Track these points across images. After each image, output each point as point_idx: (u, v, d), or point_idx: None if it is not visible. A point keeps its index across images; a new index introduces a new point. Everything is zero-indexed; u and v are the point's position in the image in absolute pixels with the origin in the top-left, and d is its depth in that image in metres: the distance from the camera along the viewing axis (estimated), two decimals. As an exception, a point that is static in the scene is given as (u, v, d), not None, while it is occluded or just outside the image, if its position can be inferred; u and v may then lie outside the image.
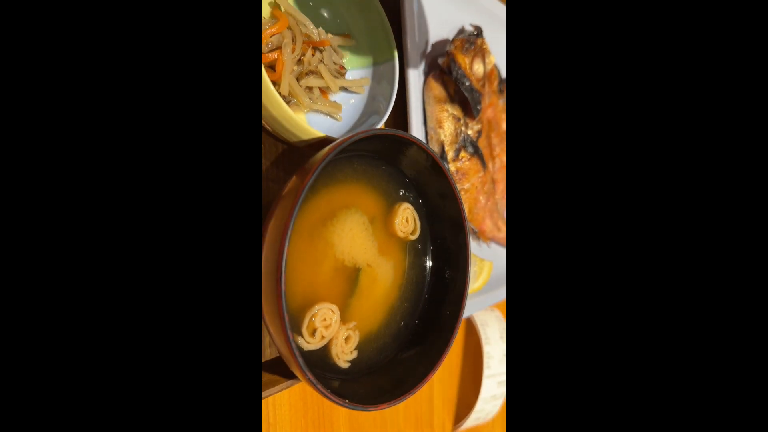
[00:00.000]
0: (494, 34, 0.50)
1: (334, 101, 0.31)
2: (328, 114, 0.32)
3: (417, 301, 0.32)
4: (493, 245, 0.51)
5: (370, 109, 0.34)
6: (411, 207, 0.32)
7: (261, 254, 0.23)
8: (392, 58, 0.32)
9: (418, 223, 0.33)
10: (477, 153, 0.44)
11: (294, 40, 0.28)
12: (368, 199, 0.30)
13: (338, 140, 0.24)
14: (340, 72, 0.31)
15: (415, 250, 0.33)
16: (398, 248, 0.32)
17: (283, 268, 0.22)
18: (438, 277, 0.33)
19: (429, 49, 0.43)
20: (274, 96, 0.24)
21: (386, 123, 0.39)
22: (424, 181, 0.32)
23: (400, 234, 0.31)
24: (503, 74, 0.53)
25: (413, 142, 0.28)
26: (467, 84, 0.40)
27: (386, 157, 0.30)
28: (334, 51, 0.31)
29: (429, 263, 0.34)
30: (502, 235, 0.50)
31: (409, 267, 0.32)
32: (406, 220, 0.32)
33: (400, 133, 0.27)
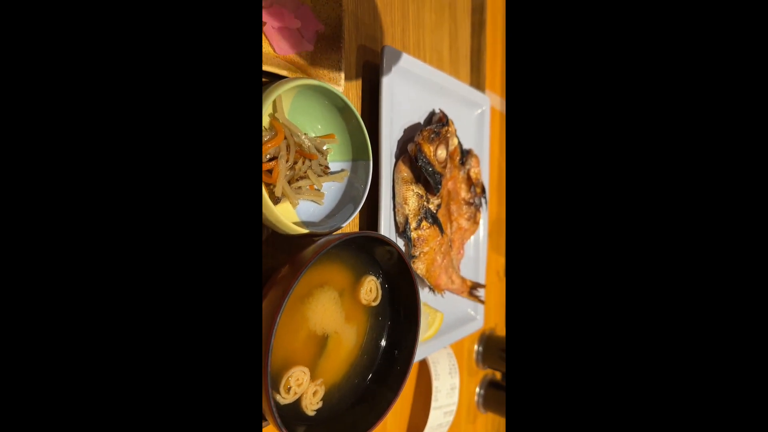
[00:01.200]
0: (462, 111, 0.58)
1: (318, 191, 0.39)
2: (312, 201, 0.39)
3: (374, 358, 0.40)
4: (447, 294, 0.59)
5: (348, 195, 0.41)
6: (375, 279, 0.40)
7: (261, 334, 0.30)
8: (368, 158, 0.40)
9: (380, 291, 0.40)
10: (436, 222, 0.51)
11: (288, 150, 0.35)
12: (340, 275, 0.37)
13: (323, 243, 0.31)
14: (325, 171, 0.38)
15: (375, 314, 0.40)
16: (362, 313, 0.39)
17: (272, 343, 0.28)
18: (392, 339, 0.41)
19: (401, 133, 0.51)
20: (267, 203, 0.31)
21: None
22: (388, 263, 0.39)
23: (364, 302, 0.39)
24: (464, 147, 0.62)
25: (384, 241, 0.35)
26: (430, 170, 0.48)
27: (358, 243, 0.38)
28: (321, 153, 0.38)
29: (386, 326, 0.41)
30: (455, 287, 0.58)
31: (369, 329, 0.40)
32: (370, 290, 0.39)
33: (375, 234, 0.34)
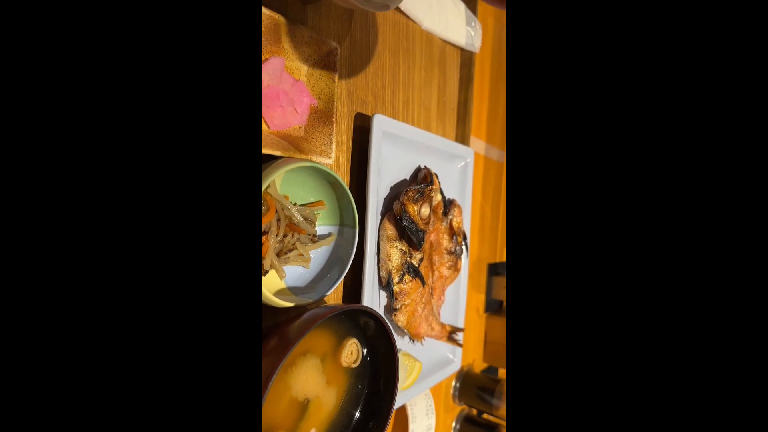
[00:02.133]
0: (447, 165, 0.61)
1: (307, 255, 0.41)
2: (300, 265, 0.41)
3: (351, 417, 0.42)
4: (427, 340, 0.62)
5: (334, 258, 0.43)
6: (356, 341, 0.42)
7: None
8: (354, 226, 0.42)
9: (361, 353, 0.42)
10: (417, 275, 0.54)
11: (279, 224, 0.37)
12: (323, 341, 0.39)
13: (310, 319, 0.33)
14: (313, 240, 0.40)
15: (355, 375, 0.42)
16: (342, 375, 0.41)
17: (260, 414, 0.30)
18: (370, 398, 0.43)
19: (388, 191, 0.53)
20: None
21: (345, 259, 0.48)
22: (370, 328, 0.42)
23: (345, 364, 0.41)
24: (448, 196, 0.64)
25: (369, 312, 0.37)
26: (414, 228, 0.50)
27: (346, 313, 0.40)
28: (308, 221, 0.40)
29: (365, 385, 0.43)
30: (435, 333, 0.61)
31: (348, 389, 0.42)
32: (351, 352, 0.41)
33: (361, 307, 0.36)
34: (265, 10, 0.35)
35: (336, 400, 0.40)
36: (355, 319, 0.42)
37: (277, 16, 0.36)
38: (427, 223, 0.54)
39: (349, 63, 0.48)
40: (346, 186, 0.40)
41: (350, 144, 0.48)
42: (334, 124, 0.41)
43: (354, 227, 0.42)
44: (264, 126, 0.38)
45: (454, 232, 0.63)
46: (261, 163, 0.37)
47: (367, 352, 0.43)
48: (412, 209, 0.51)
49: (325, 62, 0.41)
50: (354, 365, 0.41)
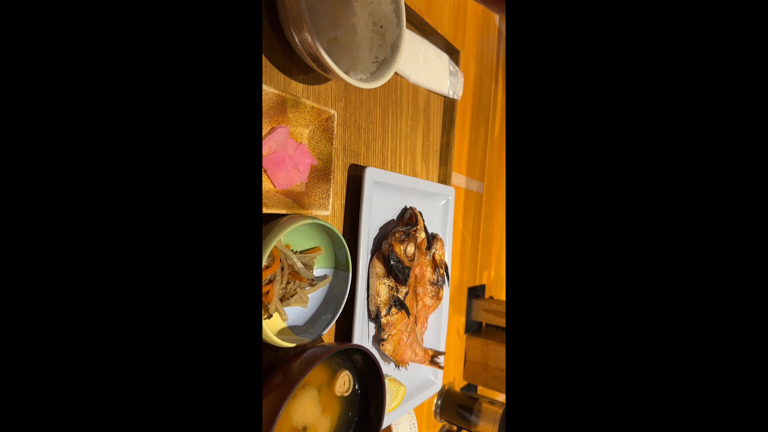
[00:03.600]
0: (430, 203, 0.67)
1: (306, 297, 0.46)
2: (299, 305, 0.46)
3: (344, 441, 0.47)
4: (411, 364, 0.67)
5: (329, 297, 0.48)
6: (348, 373, 0.47)
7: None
8: (348, 269, 0.47)
9: (352, 383, 0.47)
10: (403, 308, 0.60)
11: (282, 272, 0.42)
12: (320, 374, 0.44)
13: (310, 358, 0.39)
14: (311, 284, 0.46)
15: (347, 402, 0.48)
16: (335, 403, 0.46)
17: (261, 447, 0.35)
18: (360, 423, 0.48)
19: (377, 231, 0.59)
20: (263, 329, 0.38)
21: (339, 296, 0.53)
22: (361, 362, 0.47)
23: (338, 393, 0.46)
24: (431, 231, 0.71)
25: (361, 350, 0.43)
26: (401, 266, 0.56)
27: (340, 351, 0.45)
28: (308, 267, 0.45)
29: (355, 413, 0.48)
30: (418, 358, 0.66)
31: (341, 416, 0.47)
32: (344, 383, 0.46)
33: (357, 346, 0.42)
34: (273, 89, 0.40)
35: (330, 427, 0.45)
36: (348, 354, 0.47)
37: (283, 93, 0.41)
38: (412, 260, 0.60)
39: (345, 121, 0.53)
40: (340, 234, 0.45)
41: (344, 192, 0.54)
42: (332, 181, 0.47)
43: (347, 270, 0.47)
44: (270, 186, 0.43)
45: (436, 264, 0.69)
46: (261, 217, 0.42)
47: (357, 382, 0.48)
48: (399, 249, 0.56)
49: (324, 127, 0.47)
50: (346, 394, 0.47)
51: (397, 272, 0.56)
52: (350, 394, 0.48)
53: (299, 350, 0.42)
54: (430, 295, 0.68)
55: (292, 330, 0.45)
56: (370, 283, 0.57)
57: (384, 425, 0.59)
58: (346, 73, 0.42)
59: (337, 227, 0.53)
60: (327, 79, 0.50)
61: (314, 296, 0.48)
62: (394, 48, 0.48)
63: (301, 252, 0.46)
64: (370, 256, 0.58)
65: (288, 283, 0.43)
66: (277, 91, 0.40)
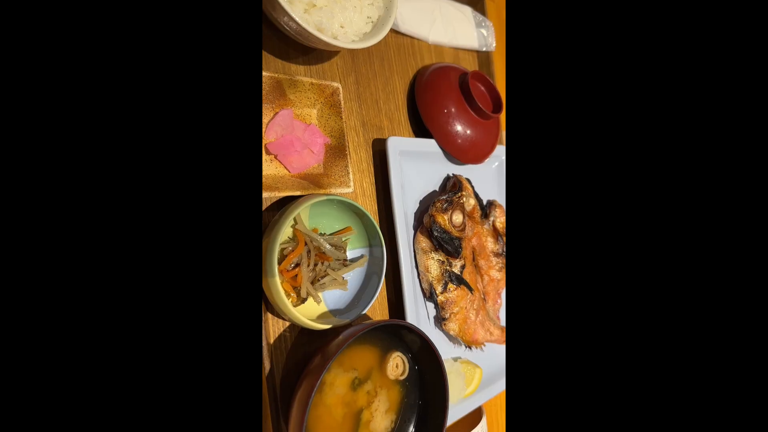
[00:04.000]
0: (478, 168, 0.61)
1: (342, 279, 0.44)
2: (338, 289, 0.44)
3: (407, 427, 0.43)
4: (489, 346, 0.61)
5: (369, 276, 0.46)
6: (401, 354, 0.44)
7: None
8: (381, 245, 0.45)
9: (407, 365, 0.44)
10: (462, 283, 0.54)
11: (309, 255, 0.41)
12: (369, 355, 0.42)
13: (346, 336, 0.37)
14: (345, 264, 0.44)
15: (405, 386, 0.44)
16: (392, 387, 0.43)
17: (304, 428, 0.34)
18: (424, 408, 0.44)
19: (417, 205, 0.55)
20: (288, 308, 0.37)
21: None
22: (412, 341, 0.43)
23: (392, 376, 0.43)
24: (487, 199, 0.64)
25: (405, 326, 0.40)
26: (446, 237, 0.51)
27: (382, 328, 0.42)
28: (338, 248, 0.43)
29: (417, 396, 0.45)
30: (495, 338, 0.60)
31: (401, 401, 0.44)
32: (396, 365, 0.43)
33: (395, 321, 0.39)
34: (265, 73, 0.40)
35: (387, 410, 0.42)
36: (397, 335, 0.44)
37: (276, 75, 0.41)
38: (462, 230, 0.54)
39: (358, 95, 0.51)
40: (362, 207, 0.43)
41: (371, 169, 0.52)
42: (348, 156, 0.45)
43: (381, 245, 0.45)
44: (284, 171, 0.43)
45: (498, 233, 0.62)
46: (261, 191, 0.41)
47: (415, 365, 0.45)
48: (442, 219, 0.52)
49: (330, 102, 0.45)
50: (402, 377, 0.43)
51: (444, 244, 0.51)
52: (408, 380, 0.44)
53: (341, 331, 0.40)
54: (496, 267, 0.62)
55: (333, 314, 0.43)
56: (418, 260, 0.53)
57: (463, 411, 0.54)
58: (335, 38, 0.40)
59: (370, 207, 0.51)
60: (328, 57, 0.48)
61: (354, 280, 0.46)
62: (388, 5, 0.45)
63: (330, 235, 0.45)
64: (413, 232, 0.54)
65: (316, 265, 0.41)
66: (269, 74, 0.40)
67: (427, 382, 0.44)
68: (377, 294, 0.44)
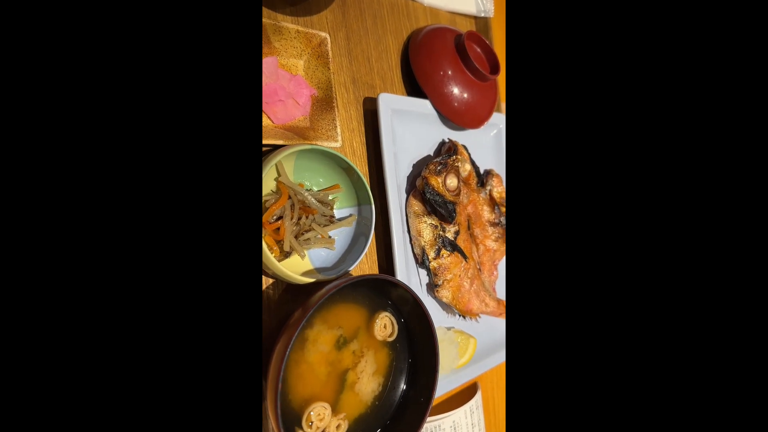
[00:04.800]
0: (475, 135, 0.59)
1: (329, 238, 0.42)
2: (325, 247, 0.43)
3: (396, 390, 0.42)
4: (484, 318, 0.59)
5: (357, 236, 0.44)
6: (389, 315, 0.42)
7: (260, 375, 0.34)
8: (370, 202, 0.43)
9: (396, 326, 0.42)
10: (456, 249, 0.52)
11: (293, 208, 0.39)
12: (355, 314, 0.40)
13: (327, 289, 0.35)
14: (331, 220, 0.42)
15: (394, 349, 0.42)
16: (380, 348, 0.42)
17: (280, 380, 0.32)
18: (413, 371, 0.42)
19: (410, 169, 0.53)
20: (272, 261, 0.35)
21: (374, 239, 0.49)
22: (400, 300, 0.42)
23: (379, 337, 0.41)
24: (485, 168, 0.62)
25: (392, 282, 0.38)
26: (440, 200, 0.49)
27: (369, 285, 0.41)
28: (324, 204, 0.42)
29: (406, 359, 0.43)
30: (490, 309, 0.58)
31: (389, 364, 0.42)
32: (384, 325, 0.41)
33: (383, 276, 0.37)
34: (249, 16, 0.38)
35: (374, 373, 0.41)
36: (386, 294, 0.42)
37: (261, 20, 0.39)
38: (457, 195, 0.53)
39: (349, 51, 0.49)
40: (354, 165, 0.41)
41: (362, 128, 0.50)
42: (336, 109, 0.43)
43: (370, 203, 0.43)
44: (268, 121, 0.41)
45: (495, 203, 0.60)
46: (261, 154, 0.40)
47: (403, 327, 0.43)
48: (435, 181, 0.50)
49: (318, 53, 0.43)
50: (390, 339, 0.42)
51: (438, 207, 0.49)
52: (397, 341, 0.42)
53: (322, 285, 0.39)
54: (492, 237, 0.60)
55: (318, 271, 0.41)
56: (410, 225, 0.51)
57: (458, 381, 0.52)
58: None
59: (360, 169, 0.49)
60: (317, 9, 0.46)
61: (342, 239, 0.44)
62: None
63: (317, 191, 0.43)
64: (405, 195, 0.52)
65: (300, 218, 0.40)
66: (252, 17, 0.38)
67: (417, 345, 0.43)
68: (365, 251, 0.42)
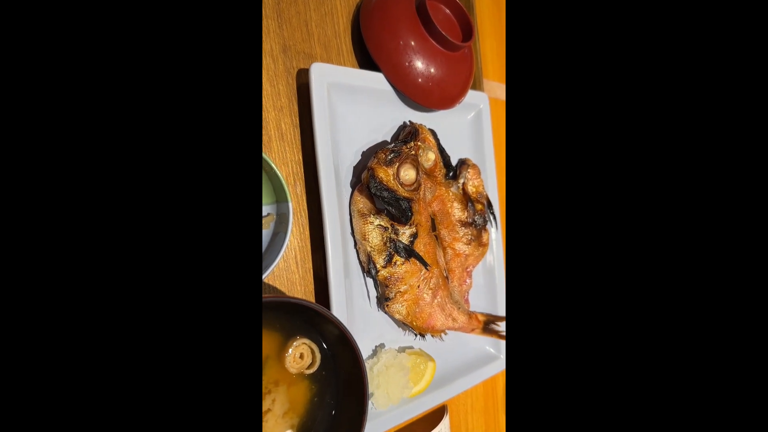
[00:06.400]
0: (449, 117, 0.49)
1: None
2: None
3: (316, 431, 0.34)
4: (452, 334, 0.50)
5: (278, 236, 0.36)
6: (308, 342, 0.33)
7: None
8: (287, 200, 0.34)
9: (317, 355, 0.34)
10: (412, 255, 0.43)
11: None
12: (263, 340, 0.32)
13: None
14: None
15: (318, 380, 0.34)
16: (295, 382, 0.33)
17: None
18: (340, 408, 0.34)
19: (359, 158, 0.44)
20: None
21: (309, 244, 0.40)
22: (324, 327, 0.33)
23: (292, 370, 0.33)
24: (459, 157, 0.52)
25: (295, 303, 0.29)
26: (387, 196, 0.40)
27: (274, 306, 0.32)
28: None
29: (334, 392, 0.34)
30: (458, 324, 0.49)
31: (308, 400, 0.34)
32: (300, 355, 0.33)
33: (282, 299, 0.28)
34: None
35: (289, 414, 0.33)
36: (304, 316, 0.33)
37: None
38: (415, 190, 0.43)
39: (279, 13, 0.40)
40: (268, 158, 0.32)
41: (295, 107, 0.41)
42: (246, 81, 0.34)
43: (287, 200, 0.34)
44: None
45: (469, 199, 0.51)
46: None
47: (332, 356, 0.35)
48: (384, 173, 0.41)
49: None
50: (309, 371, 0.33)
51: (387, 205, 0.40)
52: (318, 373, 0.34)
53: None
54: (463, 240, 0.50)
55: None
56: (354, 226, 0.42)
57: (408, 413, 0.44)
58: None
59: (290, 156, 0.40)
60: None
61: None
62: None
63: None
64: (351, 190, 0.43)
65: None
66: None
67: (342, 378, 0.34)
68: (277, 261, 0.33)
